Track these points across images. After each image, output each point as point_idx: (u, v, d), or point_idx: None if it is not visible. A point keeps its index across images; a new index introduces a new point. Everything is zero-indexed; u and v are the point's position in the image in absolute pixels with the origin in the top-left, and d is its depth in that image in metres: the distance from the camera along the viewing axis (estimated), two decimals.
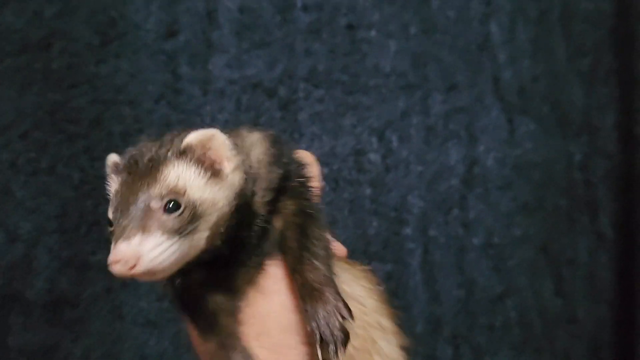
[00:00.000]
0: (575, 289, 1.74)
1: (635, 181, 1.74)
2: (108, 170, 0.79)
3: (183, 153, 0.75)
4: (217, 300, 0.78)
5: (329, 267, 0.80)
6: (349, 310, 0.77)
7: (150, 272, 0.68)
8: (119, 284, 1.59)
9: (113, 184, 0.76)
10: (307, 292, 0.78)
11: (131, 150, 0.79)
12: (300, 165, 0.87)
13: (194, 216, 0.72)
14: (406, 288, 1.68)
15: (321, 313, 0.76)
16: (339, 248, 0.89)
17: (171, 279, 0.78)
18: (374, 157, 1.69)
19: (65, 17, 1.61)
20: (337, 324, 0.75)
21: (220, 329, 0.79)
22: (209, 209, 0.74)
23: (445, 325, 1.72)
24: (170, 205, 0.71)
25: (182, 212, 0.71)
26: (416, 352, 0.98)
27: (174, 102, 1.63)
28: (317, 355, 0.76)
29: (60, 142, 1.59)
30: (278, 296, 0.82)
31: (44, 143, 1.59)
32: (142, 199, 0.71)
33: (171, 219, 0.70)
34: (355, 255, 0.98)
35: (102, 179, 1.60)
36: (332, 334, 0.75)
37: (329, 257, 0.81)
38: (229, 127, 1.61)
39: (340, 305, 0.77)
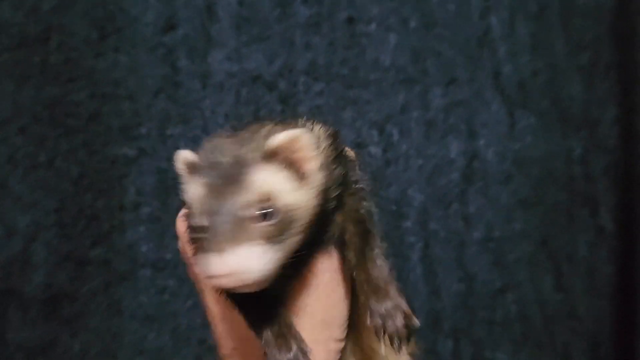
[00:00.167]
0: (575, 283, 1.74)
1: (636, 176, 1.74)
2: (181, 169, 0.76)
3: (270, 156, 0.72)
4: (273, 290, 0.76)
5: (390, 265, 0.81)
6: (411, 307, 0.78)
7: (255, 284, 0.68)
8: (117, 278, 1.59)
9: (192, 186, 0.73)
10: (372, 289, 0.78)
11: (207, 149, 0.76)
12: (353, 163, 0.86)
13: (288, 222, 0.71)
14: (406, 282, 1.68)
15: (386, 309, 0.77)
16: None
17: None
18: (374, 150, 1.68)
19: (63, 11, 1.60)
20: (401, 320, 0.77)
21: (278, 319, 0.78)
22: (300, 213, 0.72)
23: (445, 320, 1.71)
24: (266, 212, 0.69)
25: (277, 219, 0.70)
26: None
27: (173, 95, 1.62)
28: (380, 350, 0.79)
29: (58, 136, 1.59)
30: (316, 290, 0.82)
31: (42, 137, 1.59)
32: (234, 206, 0.68)
33: (267, 227, 0.69)
34: None
35: (100, 173, 1.60)
36: (397, 330, 0.76)
37: (387, 254, 0.82)
38: (229, 120, 1.63)
39: (403, 302, 0.78)
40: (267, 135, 0.75)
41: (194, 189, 0.73)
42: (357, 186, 0.84)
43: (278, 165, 0.73)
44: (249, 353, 0.83)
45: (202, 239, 0.69)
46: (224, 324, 0.85)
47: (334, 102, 1.67)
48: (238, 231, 0.67)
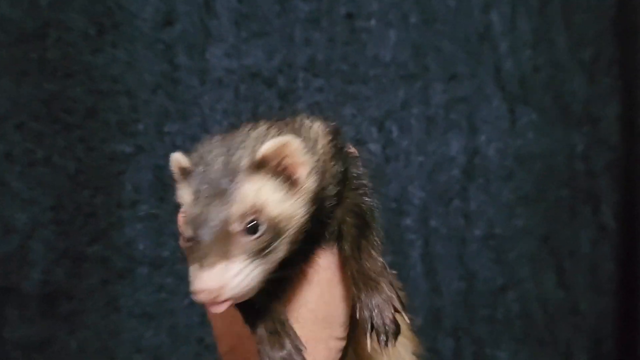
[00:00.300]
0: (577, 280, 1.73)
1: (638, 172, 1.73)
2: (174, 173, 0.75)
3: (259, 165, 0.71)
4: (269, 286, 0.75)
5: (384, 259, 0.79)
6: (402, 303, 0.76)
7: (234, 298, 0.67)
8: (115, 276, 1.58)
9: (184, 192, 0.73)
10: (363, 281, 0.77)
11: (199, 153, 0.75)
12: (355, 159, 0.85)
13: (275, 233, 0.70)
14: (407, 280, 1.67)
15: (375, 303, 0.75)
16: None
17: None
18: (374, 147, 1.67)
19: (61, 6, 1.59)
20: (390, 315, 0.75)
21: (272, 315, 0.77)
22: (289, 223, 0.72)
23: (446, 318, 1.70)
24: (251, 226, 0.68)
25: (264, 232, 0.69)
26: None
27: (172, 92, 1.61)
28: (367, 345, 0.75)
29: (56, 132, 1.58)
30: (317, 287, 0.81)
31: (39, 133, 1.58)
32: (220, 218, 0.67)
33: (253, 241, 0.68)
34: None
35: (98, 169, 1.59)
36: (384, 324, 0.74)
37: (383, 249, 0.81)
38: (228, 117, 1.62)
39: (394, 297, 0.76)
40: (258, 141, 0.73)
41: (184, 195, 0.72)
42: (358, 182, 0.83)
43: (266, 174, 0.71)
44: (248, 350, 0.81)
45: (190, 247, 0.69)
46: (222, 321, 0.84)
47: (333, 98, 1.66)
48: (221, 246, 0.67)
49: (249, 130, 0.77)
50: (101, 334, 1.57)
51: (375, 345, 0.74)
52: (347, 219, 0.81)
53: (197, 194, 0.70)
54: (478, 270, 1.71)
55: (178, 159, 0.75)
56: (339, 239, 0.82)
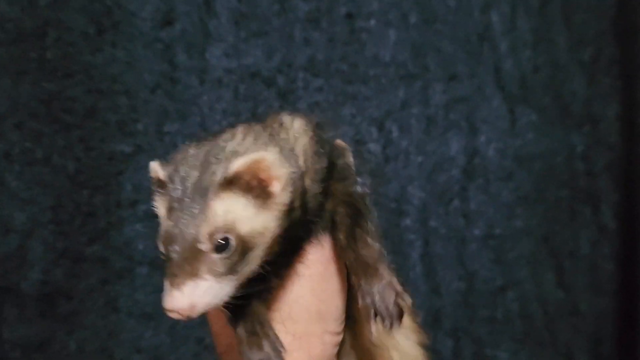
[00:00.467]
0: (576, 281, 1.73)
1: (638, 173, 1.73)
2: (152, 183, 0.75)
3: (230, 182, 0.71)
4: (251, 285, 0.75)
5: (381, 244, 0.79)
6: (403, 287, 0.76)
7: (204, 312, 0.69)
8: (114, 276, 1.58)
9: (159, 205, 0.73)
10: (361, 268, 0.77)
11: (175, 163, 0.74)
12: (341, 150, 0.85)
13: (244, 251, 0.70)
14: (406, 280, 1.66)
15: (376, 288, 0.75)
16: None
17: None
18: (373, 147, 1.67)
19: (60, 5, 1.59)
20: (392, 299, 0.74)
21: (252, 315, 0.77)
22: (259, 240, 0.71)
23: (445, 318, 1.70)
24: (220, 245, 0.69)
25: (234, 250, 0.69)
26: None
27: (171, 91, 1.61)
28: (370, 331, 0.76)
29: (55, 132, 1.58)
30: (309, 282, 0.81)
31: (38, 133, 1.58)
32: (190, 236, 0.68)
33: (221, 260, 0.68)
34: None
35: (97, 169, 1.59)
36: (388, 309, 0.74)
37: (379, 234, 0.80)
38: (227, 117, 1.62)
39: (394, 281, 0.76)
40: (232, 155, 0.73)
41: (160, 208, 0.73)
42: (346, 172, 0.83)
43: (238, 191, 0.71)
44: None
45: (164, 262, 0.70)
46: (218, 320, 0.84)
47: (333, 98, 1.66)
48: (189, 264, 0.67)
49: (224, 140, 0.76)
50: (100, 334, 1.57)
51: (381, 329, 0.75)
52: (339, 209, 0.81)
53: (170, 210, 0.71)
54: (478, 271, 1.71)
55: (154, 167, 0.75)
56: (333, 231, 0.82)
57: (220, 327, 0.84)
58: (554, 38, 1.76)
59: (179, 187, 0.71)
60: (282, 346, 0.76)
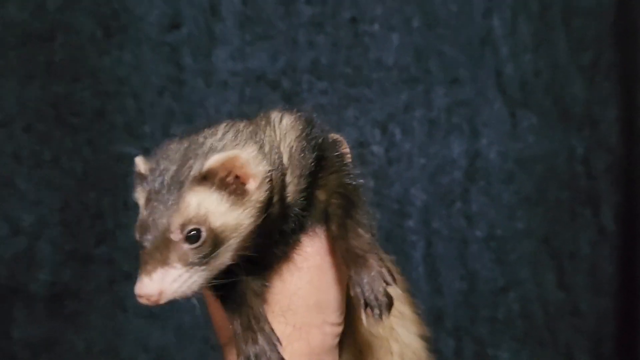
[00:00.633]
0: (577, 281, 1.75)
1: (637, 174, 1.74)
2: (135, 177, 0.77)
3: (205, 178, 0.72)
4: (247, 280, 0.77)
5: (373, 235, 0.80)
6: (393, 276, 0.77)
7: (172, 301, 0.70)
8: (121, 276, 1.59)
9: (139, 196, 0.75)
10: (351, 259, 0.78)
11: (156, 157, 0.76)
12: (334, 143, 0.86)
13: (216, 244, 0.71)
14: (409, 280, 1.67)
15: (365, 279, 0.76)
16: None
17: None
18: (376, 149, 1.69)
19: (68, 9, 1.61)
20: (381, 289, 0.75)
21: (248, 310, 0.79)
22: (231, 234, 0.73)
23: (447, 318, 1.72)
24: (191, 236, 0.70)
25: (204, 241, 0.71)
26: None
27: (177, 94, 1.63)
28: (362, 321, 0.76)
29: (63, 134, 1.60)
30: (307, 273, 0.82)
31: (47, 135, 1.59)
32: (162, 226, 0.70)
33: (192, 250, 0.70)
34: None
35: (104, 171, 1.61)
36: (377, 299, 0.75)
37: (371, 225, 0.81)
38: (233, 119, 1.63)
39: (384, 271, 0.76)
40: (210, 150, 0.75)
41: (139, 198, 0.75)
42: (339, 163, 0.84)
43: (212, 186, 0.73)
44: None
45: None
46: (220, 312, 0.85)
47: (337, 100, 1.68)
48: (160, 253, 0.69)
49: (204, 136, 0.78)
50: (108, 333, 1.59)
51: (371, 320, 0.76)
52: (333, 200, 0.82)
53: (147, 200, 0.73)
54: (479, 271, 1.73)
55: (137, 161, 0.77)
56: (327, 222, 0.83)
57: (222, 318, 0.85)
58: (554, 42, 1.78)
59: (157, 180, 0.73)
60: (278, 340, 0.77)
